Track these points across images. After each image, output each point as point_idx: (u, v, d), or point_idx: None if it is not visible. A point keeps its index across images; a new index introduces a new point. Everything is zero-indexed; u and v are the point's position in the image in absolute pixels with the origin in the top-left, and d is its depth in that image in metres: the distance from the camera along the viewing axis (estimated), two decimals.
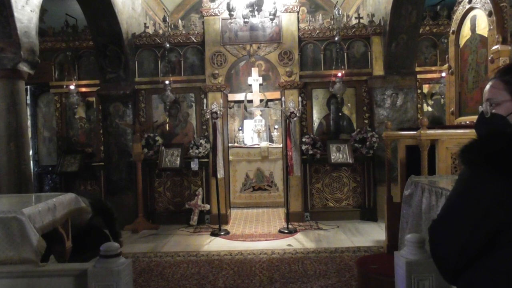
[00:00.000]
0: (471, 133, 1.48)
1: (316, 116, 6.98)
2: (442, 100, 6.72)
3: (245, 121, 10.02)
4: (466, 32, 4.48)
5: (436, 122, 6.76)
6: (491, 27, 3.87)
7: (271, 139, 9.70)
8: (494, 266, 1.19)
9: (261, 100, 9.06)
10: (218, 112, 6.30)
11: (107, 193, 6.89)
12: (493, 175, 1.15)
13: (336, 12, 6.68)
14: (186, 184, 7.00)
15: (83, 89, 7.03)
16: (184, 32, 6.97)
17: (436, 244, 1.30)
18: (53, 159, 7.17)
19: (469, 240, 1.19)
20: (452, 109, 4.72)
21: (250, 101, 9.00)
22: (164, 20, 6.89)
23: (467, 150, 1.23)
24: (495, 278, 1.18)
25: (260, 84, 9.04)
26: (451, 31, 4.75)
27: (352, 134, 6.78)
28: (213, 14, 6.79)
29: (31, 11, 4.11)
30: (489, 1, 3.90)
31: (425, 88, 6.99)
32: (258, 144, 8.85)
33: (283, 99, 6.64)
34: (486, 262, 1.20)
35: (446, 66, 4.93)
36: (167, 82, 6.69)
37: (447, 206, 1.31)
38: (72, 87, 6.78)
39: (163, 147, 6.83)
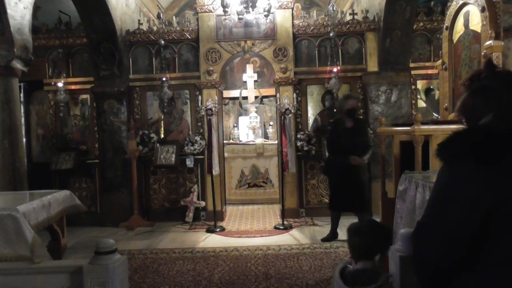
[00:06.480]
0: None
1: (311, 113, 6.99)
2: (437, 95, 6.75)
3: (240, 117, 10.00)
4: (459, 28, 4.50)
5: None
6: (484, 22, 3.88)
7: (266, 136, 9.70)
8: (489, 262, 1.19)
9: (256, 97, 9.07)
10: (213, 109, 6.29)
11: (102, 191, 6.88)
12: (475, 166, 1.17)
13: (331, 9, 6.68)
14: (181, 181, 6.99)
15: (77, 86, 6.98)
16: (178, 28, 6.94)
17: (421, 246, 1.29)
18: (47, 156, 7.12)
19: (457, 235, 1.19)
20: (446, 104, 4.74)
21: (245, 98, 9.01)
22: (158, 16, 6.87)
23: (445, 145, 1.26)
24: (489, 273, 1.19)
25: (255, 81, 9.05)
26: (444, 26, 4.77)
27: None
28: (207, 10, 6.77)
29: (24, 8, 4.08)
30: None
31: (420, 84, 7.01)
32: (253, 141, 8.85)
33: (278, 95, 6.64)
34: (479, 261, 1.20)
35: (439, 62, 4.95)
36: (164, 78, 6.66)
37: (430, 207, 1.30)
38: (60, 84, 6.64)
39: (158, 144, 6.81)
